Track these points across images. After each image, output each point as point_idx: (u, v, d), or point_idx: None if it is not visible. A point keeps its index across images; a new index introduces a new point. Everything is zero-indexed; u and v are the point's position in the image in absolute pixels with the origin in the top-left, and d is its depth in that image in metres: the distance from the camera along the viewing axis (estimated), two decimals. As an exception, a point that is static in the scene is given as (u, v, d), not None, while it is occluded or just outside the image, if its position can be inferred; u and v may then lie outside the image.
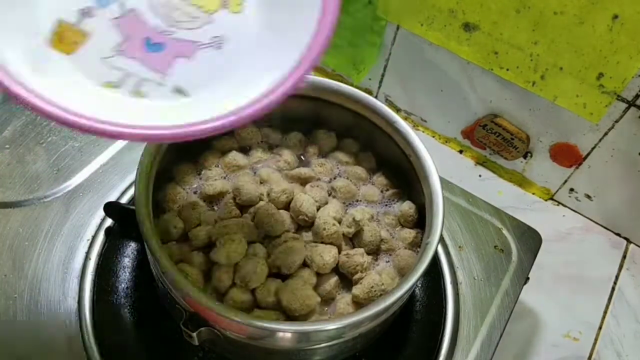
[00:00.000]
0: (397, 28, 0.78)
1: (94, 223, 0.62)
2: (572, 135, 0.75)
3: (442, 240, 0.66)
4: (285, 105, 0.60)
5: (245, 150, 0.60)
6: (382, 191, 0.59)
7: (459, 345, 0.59)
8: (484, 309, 0.62)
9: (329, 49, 0.39)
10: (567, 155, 0.77)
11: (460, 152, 0.87)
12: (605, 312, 0.74)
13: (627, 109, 0.68)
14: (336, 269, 0.52)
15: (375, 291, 0.49)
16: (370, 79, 0.88)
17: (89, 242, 0.61)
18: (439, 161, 0.53)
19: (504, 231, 0.67)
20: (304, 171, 0.58)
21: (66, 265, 0.59)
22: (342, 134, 0.62)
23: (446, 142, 0.87)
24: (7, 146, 0.67)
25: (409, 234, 0.56)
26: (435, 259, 0.64)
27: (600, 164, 0.75)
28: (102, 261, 0.60)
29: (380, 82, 0.87)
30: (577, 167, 0.78)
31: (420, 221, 0.56)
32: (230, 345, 0.48)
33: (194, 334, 0.45)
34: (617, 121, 0.70)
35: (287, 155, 0.59)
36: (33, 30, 0.37)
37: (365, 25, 0.80)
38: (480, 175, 0.85)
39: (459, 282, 0.63)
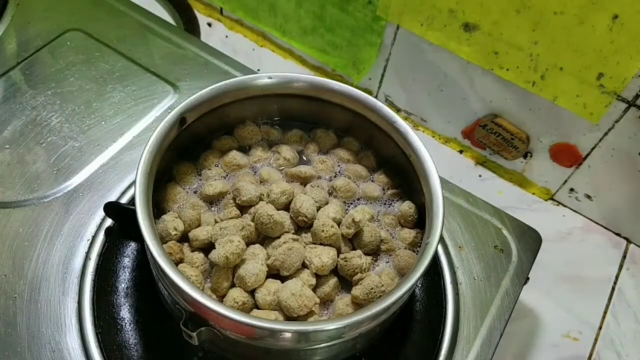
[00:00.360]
0: (397, 28, 0.78)
1: (94, 223, 0.62)
2: (572, 135, 0.75)
3: (442, 240, 0.66)
4: (285, 105, 0.61)
5: (245, 149, 0.61)
6: (383, 189, 0.59)
7: (459, 345, 0.59)
8: (484, 309, 0.62)
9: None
10: (567, 155, 0.77)
11: (460, 152, 0.87)
12: (605, 312, 0.74)
13: (627, 109, 0.68)
14: (335, 271, 0.52)
15: (374, 292, 0.49)
16: (370, 79, 0.88)
17: (89, 242, 0.61)
18: (439, 161, 0.53)
19: (504, 231, 0.67)
20: (304, 170, 0.58)
21: (66, 265, 0.59)
22: (342, 133, 0.62)
23: (446, 142, 0.87)
24: (7, 146, 0.67)
25: (409, 234, 0.56)
26: (435, 259, 0.64)
27: (600, 164, 0.75)
28: (102, 261, 0.60)
29: (380, 82, 0.87)
30: (577, 167, 0.78)
31: (420, 221, 0.56)
32: (230, 345, 0.48)
33: (194, 334, 0.45)
34: (617, 121, 0.70)
35: (287, 152, 0.59)
36: None
37: (365, 25, 0.80)
38: (480, 175, 0.85)
39: (459, 282, 0.63)
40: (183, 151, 0.58)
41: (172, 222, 0.52)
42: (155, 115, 0.72)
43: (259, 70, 0.90)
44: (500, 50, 0.71)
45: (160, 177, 0.54)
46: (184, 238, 0.53)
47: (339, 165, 0.60)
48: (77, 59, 0.76)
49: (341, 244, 0.53)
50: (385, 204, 0.59)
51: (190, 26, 0.93)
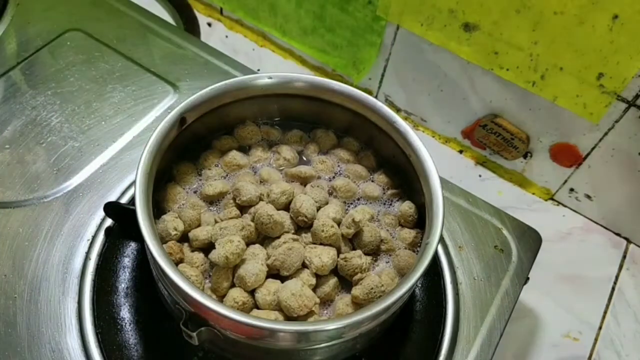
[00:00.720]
0: (397, 28, 0.78)
1: (94, 223, 0.62)
2: (572, 135, 0.75)
3: (442, 240, 0.66)
4: (285, 105, 0.61)
5: (245, 149, 0.61)
6: (383, 189, 0.59)
7: (459, 345, 0.59)
8: (484, 309, 0.62)
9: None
10: (567, 155, 0.77)
11: (460, 152, 0.87)
12: (605, 312, 0.74)
13: (627, 109, 0.68)
14: (335, 271, 0.52)
15: (374, 292, 0.49)
16: (370, 79, 0.88)
17: (89, 242, 0.61)
18: (439, 161, 0.53)
19: (504, 231, 0.67)
20: (304, 170, 0.58)
21: (66, 265, 0.59)
22: (342, 133, 0.62)
23: (446, 142, 0.87)
24: (7, 146, 0.67)
25: (409, 234, 0.56)
26: (435, 259, 0.64)
27: (600, 164, 0.75)
28: (102, 261, 0.60)
29: (380, 82, 0.87)
30: (577, 167, 0.78)
31: (420, 221, 0.56)
32: (230, 345, 0.48)
33: (194, 334, 0.45)
34: (617, 121, 0.70)
35: (287, 152, 0.59)
36: None
37: (365, 25, 0.80)
38: (480, 175, 0.85)
39: (459, 282, 0.63)
40: (183, 151, 0.58)
41: (172, 222, 0.52)
42: (155, 115, 0.72)
43: (259, 70, 0.90)
44: (500, 50, 0.71)
45: (160, 177, 0.54)
46: (184, 238, 0.53)
47: (339, 166, 0.60)
48: (77, 59, 0.76)
49: (341, 244, 0.53)
50: (385, 204, 0.59)
51: (190, 26, 0.93)
